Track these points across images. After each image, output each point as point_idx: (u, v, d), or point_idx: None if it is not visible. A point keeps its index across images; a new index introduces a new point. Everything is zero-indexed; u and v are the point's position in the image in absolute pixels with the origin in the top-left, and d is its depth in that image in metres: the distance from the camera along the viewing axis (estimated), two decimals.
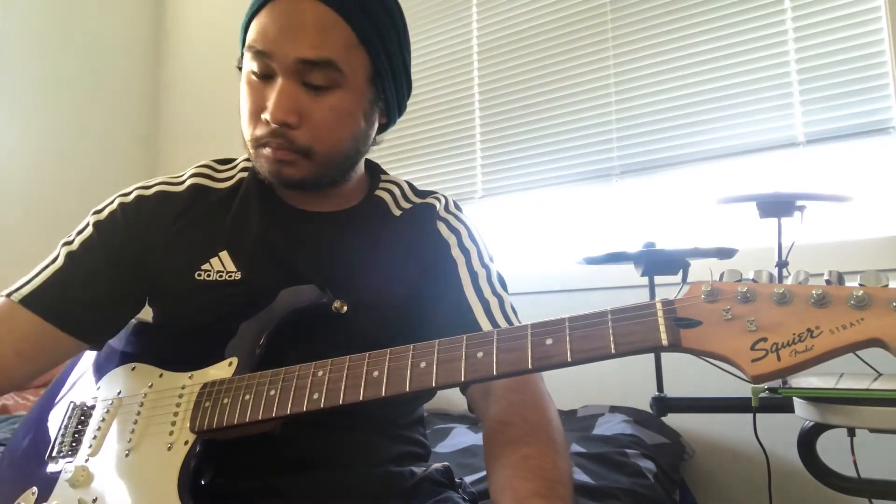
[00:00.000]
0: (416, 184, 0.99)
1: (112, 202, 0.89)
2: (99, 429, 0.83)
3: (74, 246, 0.87)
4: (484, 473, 1.27)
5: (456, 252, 0.89)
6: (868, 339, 0.46)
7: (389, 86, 0.85)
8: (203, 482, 0.75)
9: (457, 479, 0.93)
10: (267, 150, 0.79)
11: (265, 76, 0.79)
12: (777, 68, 1.82)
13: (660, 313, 0.55)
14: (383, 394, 0.64)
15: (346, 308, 0.78)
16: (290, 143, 0.78)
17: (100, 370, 0.89)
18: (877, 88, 1.70)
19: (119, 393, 0.84)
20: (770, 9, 1.84)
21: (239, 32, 0.85)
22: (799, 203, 1.21)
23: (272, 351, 0.78)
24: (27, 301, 0.83)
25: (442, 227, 0.91)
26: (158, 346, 0.86)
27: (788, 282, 0.51)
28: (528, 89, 2.22)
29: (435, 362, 0.63)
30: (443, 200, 0.95)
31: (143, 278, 0.87)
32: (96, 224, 0.88)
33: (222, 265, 0.83)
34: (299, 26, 0.77)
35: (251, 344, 0.78)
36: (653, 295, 1.37)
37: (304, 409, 0.68)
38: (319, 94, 0.78)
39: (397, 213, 0.92)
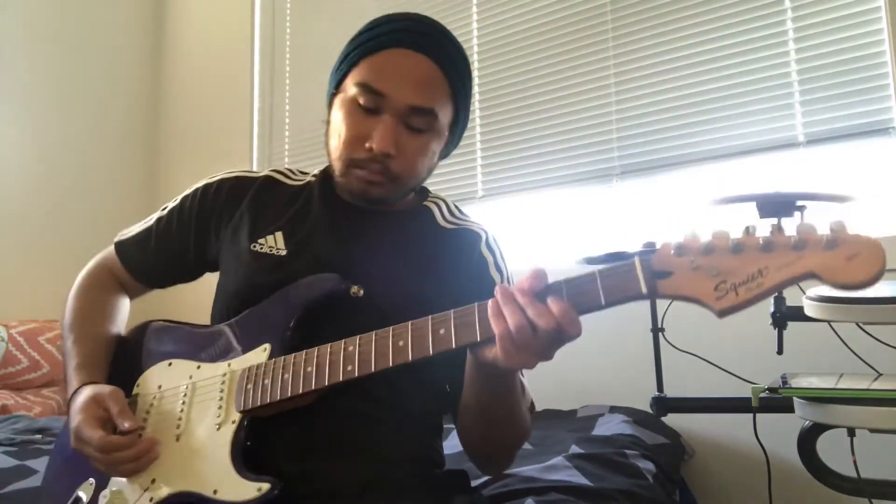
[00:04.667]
0: None
1: (201, 182, 1.07)
2: (145, 420, 0.90)
3: (164, 213, 1.07)
4: (484, 478, 1.27)
5: (493, 271, 1.00)
6: (805, 272, 0.57)
7: (458, 131, 1.01)
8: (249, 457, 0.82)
9: (472, 484, 0.95)
10: (362, 172, 0.92)
11: (370, 109, 0.90)
12: (777, 68, 1.82)
13: (638, 268, 0.65)
14: (410, 359, 0.73)
15: (361, 292, 0.87)
16: (385, 170, 0.91)
17: (136, 368, 0.97)
18: (877, 89, 1.70)
19: (160, 387, 0.93)
20: (770, 9, 1.84)
21: (338, 67, 0.96)
22: (799, 203, 1.21)
23: (301, 334, 0.86)
24: (118, 245, 1.09)
25: (484, 249, 1.02)
26: (192, 342, 0.95)
27: (738, 236, 0.62)
28: (528, 89, 2.22)
29: (453, 328, 0.72)
30: (485, 233, 1.04)
31: (203, 250, 1.04)
32: (183, 198, 1.06)
33: (275, 242, 0.96)
34: (414, 78, 0.90)
35: (282, 330, 0.86)
36: None
37: (341, 378, 0.76)
38: (415, 134, 0.92)
39: (444, 224, 1.02)
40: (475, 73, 2.33)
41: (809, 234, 0.58)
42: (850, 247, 0.56)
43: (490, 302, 0.70)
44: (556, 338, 0.67)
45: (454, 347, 0.71)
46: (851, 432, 1.05)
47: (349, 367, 0.76)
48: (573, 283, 0.68)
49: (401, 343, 0.74)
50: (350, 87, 0.92)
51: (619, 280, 0.65)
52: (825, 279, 0.56)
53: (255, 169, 1.13)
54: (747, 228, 0.61)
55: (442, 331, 0.72)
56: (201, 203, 1.04)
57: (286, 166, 1.09)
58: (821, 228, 0.58)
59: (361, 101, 0.90)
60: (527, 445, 1.52)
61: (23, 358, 2.35)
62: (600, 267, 0.67)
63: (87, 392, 0.89)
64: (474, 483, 1.12)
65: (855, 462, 1.04)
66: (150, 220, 1.08)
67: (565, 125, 2.14)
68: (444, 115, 0.94)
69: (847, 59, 1.73)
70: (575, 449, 1.41)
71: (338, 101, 0.95)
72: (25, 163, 2.70)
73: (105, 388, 0.89)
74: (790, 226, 0.60)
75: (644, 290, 0.64)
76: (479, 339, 0.70)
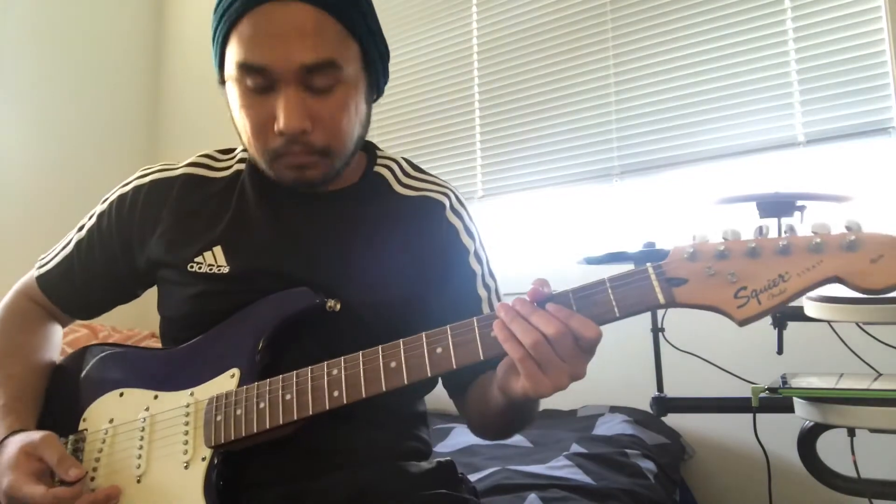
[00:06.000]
0: None
1: (115, 191, 0.94)
2: (98, 460, 0.81)
3: (83, 234, 0.94)
4: (485, 472, 1.27)
5: (464, 237, 0.94)
6: (828, 277, 0.55)
7: (378, 64, 0.85)
8: (225, 495, 0.75)
9: (459, 474, 0.93)
10: (287, 160, 0.79)
11: (263, 89, 0.77)
12: (777, 68, 1.82)
13: (652, 276, 0.61)
14: (405, 382, 0.68)
15: (339, 306, 0.79)
16: (309, 148, 0.78)
17: (81, 401, 0.86)
18: (877, 88, 1.70)
19: (112, 421, 0.83)
20: (770, 9, 1.84)
21: (213, 46, 0.82)
22: (799, 203, 1.21)
23: (270, 355, 0.78)
24: (40, 280, 0.96)
25: (450, 215, 0.95)
26: (145, 368, 0.85)
27: (751, 237, 0.59)
28: (528, 89, 2.22)
29: (451, 346, 0.66)
30: (448, 198, 0.96)
31: (133, 269, 0.91)
32: (99, 215, 0.93)
33: (214, 259, 0.83)
34: (293, 33, 0.75)
35: (250, 352, 0.77)
36: None
37: (328, 407, 0.70)
38: (324, 95, 0.78)
39: (400, 189, 0.92)
40: (475, 73, 2.35)
41: (828, 236, 0.55)
42: (873, 248, 0.53)
43: (495, 324, 0.64)
44: (574, 346, 0.62)
45: (455, 368, 0.66)
46: (851, 432, 1.05)
47: (335, 393, 0.69)
48: (581, 293, 0.63)
49: (393, 364, 0.68)
50: (232, 70, 0.78)
51: (632, 289, 0.61)
52: (849, 283, 0.53)
53: None
54: (760, 229, 0.58)
55: (439, 349, 0.66)
56: (118, 218, 0.91)
57: (215, 149, 0.97)
58: (836, 227, 0.55)
59: (249, 82, 0.77)
60: (527, 444, 1.53)
61: None
62: (608, 275, 0.63)
63: (14, 445, 0.77)
64: (473, 478, 1.12)
65: (855, 462, 1.04)
66: (70, 244, 0.94)
67: (565, 125, 2.14)
68: (349, 60, 0.79)
69: (847, 58, 1.73)
70: (576, 448, 1.42)
71: (228, 87, 0.82)
72: (26, 163, 2.70)
73: (35, 436, 0.77)
74: (803, 225, 0.58)
75: (662, 299, 0.60)
76: (482, 357, 0.65)
